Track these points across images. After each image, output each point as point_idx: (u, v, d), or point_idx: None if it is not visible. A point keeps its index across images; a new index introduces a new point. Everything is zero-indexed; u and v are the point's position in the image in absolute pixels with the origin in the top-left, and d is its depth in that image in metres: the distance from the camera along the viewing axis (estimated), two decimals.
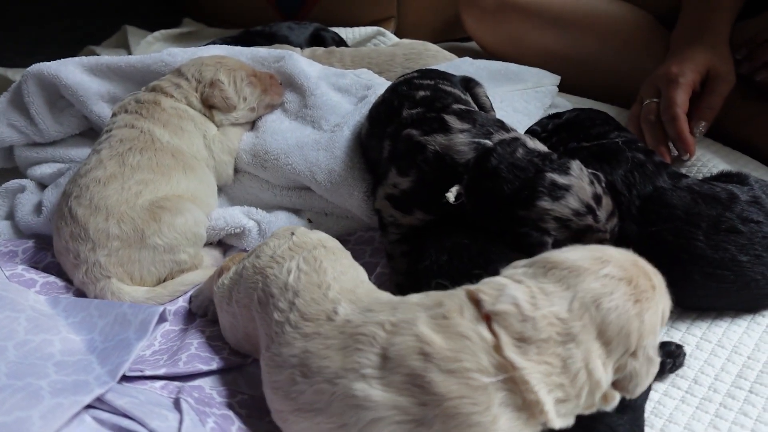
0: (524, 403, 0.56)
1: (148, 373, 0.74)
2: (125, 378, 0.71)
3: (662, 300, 0.63)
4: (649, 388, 0.76)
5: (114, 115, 1.03)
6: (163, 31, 1.73)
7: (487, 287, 0.62)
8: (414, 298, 0.65)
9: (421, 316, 0.60)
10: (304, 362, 0.64)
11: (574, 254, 0.63)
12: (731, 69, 1.18)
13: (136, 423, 0.62)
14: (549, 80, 1.33)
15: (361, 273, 0.77)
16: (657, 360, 0.61)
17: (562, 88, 1.37)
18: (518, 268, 0.64)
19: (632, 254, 0.65)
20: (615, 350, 0.58)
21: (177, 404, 0.67)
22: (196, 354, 0.82)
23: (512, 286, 0.60)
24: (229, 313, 0.81)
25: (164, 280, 0.93)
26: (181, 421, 0.63)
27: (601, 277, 0.60)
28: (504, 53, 1.52)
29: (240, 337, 0.81)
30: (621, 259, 0.63)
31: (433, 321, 0.60)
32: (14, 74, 1.54)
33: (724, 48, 1.20)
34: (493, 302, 0.59)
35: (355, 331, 0.63)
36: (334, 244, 0.79)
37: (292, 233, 0.79)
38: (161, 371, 0.76)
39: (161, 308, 0.72)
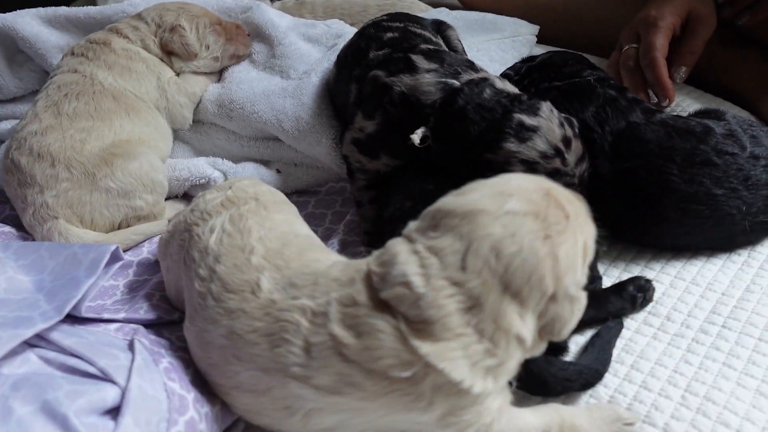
0: (440, 380, 0.51)
1: (106, 316, 0.72)
2: (78, 320, 0.69)
3: (581, 229, 0.54)
4: (620, 326, 0.74)
5: (62, 58, 0.99)
6: None
7: (378, 263, 0.54)
8: (335, 270, 0.58)
9: (333, 304, 0.54)
10: (234, 345, 0.59)
11: (471, 195, 0.54)
12: (712, 12, 1.15)
13: (83, 362, 0.59)
14: (527, 30, 1.30)
15: (299, 227, 0.71)
16: (582, 296, 0.54)
17: (542, 39, 1.34)
18: (414, 222, 0.56)
19: (544, 181, 0.57)
20: (530, 298, 0.51)
21: (131, 346, 0.65)
22: (158, 305, 0.80)
23: (402, 257, 0.52)
24: (163, 268, 0.77)
25: (120, 227, 0.90)
26: (132, 360, 0.61)
27: (502, 216, 0.52)
28: (484, 6, 1.48)
29: (172, 294, 0.77)
30: (528, 189, 0.54)
31: (343, 310, 0.53)
32: None
33: None
34: (383, 286, 0.52)
35: (280, 316, 0.57)
36: (271, 197, 0.73)
37: (230, 187, 0.72)
38: (120, 316, 0.74)
39: (113, 246, 0.69)
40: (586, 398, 0.68)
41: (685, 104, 1.13)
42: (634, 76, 1.12)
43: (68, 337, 0.61)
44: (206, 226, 0.68)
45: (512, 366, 0.53)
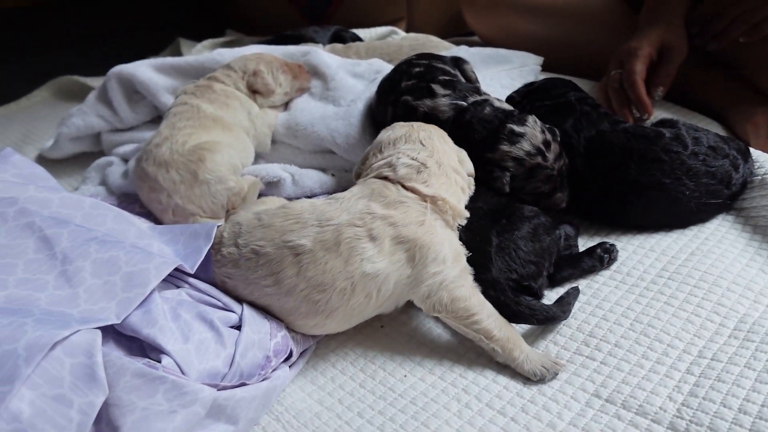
0: (445, 217, 0.88)
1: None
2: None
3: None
4: (578, 292, 0.98)
5: (176, 97, 1.31)
6: (210, 40, 2.03)
7: (382, 167, 0.92)
8: (350, 194, 0.90)
9: (372, 206, 0.86)
10: (314, 285, 0.84)
11: (395, 131, 0.99)
12: (684, 42, 1.39)
13: (213, 299, 0.89)
14: (532, 60, 1.57)
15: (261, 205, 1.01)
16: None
17: (546, 67, 1.60)
18: (370, 148, 1.01)
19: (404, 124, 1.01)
20: (464, 163, 0.98)
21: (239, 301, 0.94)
22: None
23: (398, 158, 0.91)
24: None
25: (228, 210, 1.17)
26: (242, 310, 0.89)
27: (417, 129, 0.98)
28: (499, 42, 1.77)
29: None
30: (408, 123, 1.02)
31: (381, 203, 0.87)
32: (92, 82, 1.87)
33: (679, 24, 1.42)
34: (395, 174, 0.90)
35: (338, 239, 0.84)
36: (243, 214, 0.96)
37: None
38: None
39: (219, 223, 0.97)
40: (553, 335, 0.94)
41: (662, 117, 1.37)
42: (619, 95, 1.38)
43: (200, 284, 0.91)
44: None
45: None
